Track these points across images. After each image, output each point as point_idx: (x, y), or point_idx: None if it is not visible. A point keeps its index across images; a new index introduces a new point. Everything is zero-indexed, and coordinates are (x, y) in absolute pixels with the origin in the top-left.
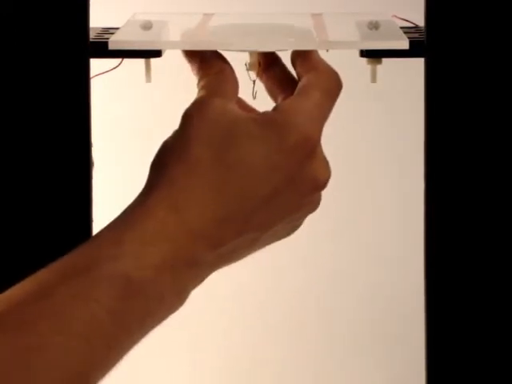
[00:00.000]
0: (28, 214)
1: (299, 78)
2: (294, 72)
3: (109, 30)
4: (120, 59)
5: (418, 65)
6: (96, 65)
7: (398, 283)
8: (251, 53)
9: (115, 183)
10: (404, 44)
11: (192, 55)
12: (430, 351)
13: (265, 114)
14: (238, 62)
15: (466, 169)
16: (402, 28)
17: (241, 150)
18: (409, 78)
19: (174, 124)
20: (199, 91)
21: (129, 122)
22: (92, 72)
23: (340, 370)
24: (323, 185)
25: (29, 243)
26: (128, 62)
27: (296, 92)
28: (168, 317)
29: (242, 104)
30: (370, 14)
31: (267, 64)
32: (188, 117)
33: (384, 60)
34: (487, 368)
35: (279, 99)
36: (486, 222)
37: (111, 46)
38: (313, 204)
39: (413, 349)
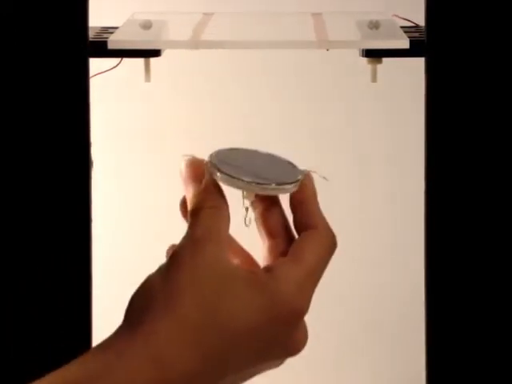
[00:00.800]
0: (27, 212)
1: (296, 230)
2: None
3: (108, 30)
4: (119, 58)
5: (418, 64)
6: (95, 64)
7: (398, 283)
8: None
9: (114, 182)
10: (404, 43)
11: (188, 181)
12: (430, 351)
13: (257, 274)
14: (244, 62)
15: (467, 168)
16: (402, 27)
17: (229, 312)
18: (409, 77)
19: (174, 124)
20: (191, 226)
21: (128, 122)
22: (91, 71)
23: (340, 370)
24: (300, 350)
25: (28, 242)
26: (127, 62)
27: (290, 252)
28: None
29: (232, 245)
30: (370, 14)
31: (263, 199)
32: (178, 261)
33: (384, 59)
34: (487, 368)
35: (266, 242)
36: (485, 221)
37: (110, 46)
38: (280, 362)
39: (413, 349)
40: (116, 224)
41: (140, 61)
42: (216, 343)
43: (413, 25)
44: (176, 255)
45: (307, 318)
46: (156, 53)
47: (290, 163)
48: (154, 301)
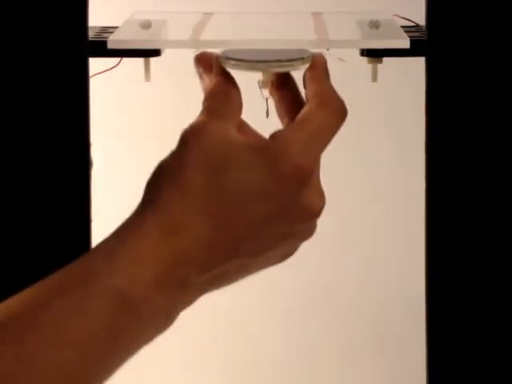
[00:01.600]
0: (27, 213)
1: (306, 102)
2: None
3: (108, 29)
4: (119, 58)
5: (418, 64)
6: (95, 64)
7: (399, 284)
8: (264, 71)
9: (114, 182)
10: (405, 43)
11: (203, 74)
12: (431, 352)
13: (261, 141)
14: (252, 79)
15: (467, 168)
16: (402, 27)
17: (233, 176)
18: (410, 77)
19: (174, 124)
20: (201, 111)
21: (128, 121)
22: (91, 71)
23: (339, 371)
24: (316, 214)
25: (28, 242)
26: (127, 61)
27: (296, 119)
28: (156, 337)
29: (244, 128)
30: (370, 13)
31: (279, 83)
32: (185, 139)
33: (385, 59)
34: (487, 368)
35: (284, 121)
36: (486, 221)
37: (110, 45)
38: (306, 232)
39: (412, 350)
40: (116, 224)
41: (140, 60)
42: (224, 208)
43: (413, 24)
44: (184, 135)
45: (307, 319)
46: (156, 52)
47: (301, 49)
48: (163, 179)
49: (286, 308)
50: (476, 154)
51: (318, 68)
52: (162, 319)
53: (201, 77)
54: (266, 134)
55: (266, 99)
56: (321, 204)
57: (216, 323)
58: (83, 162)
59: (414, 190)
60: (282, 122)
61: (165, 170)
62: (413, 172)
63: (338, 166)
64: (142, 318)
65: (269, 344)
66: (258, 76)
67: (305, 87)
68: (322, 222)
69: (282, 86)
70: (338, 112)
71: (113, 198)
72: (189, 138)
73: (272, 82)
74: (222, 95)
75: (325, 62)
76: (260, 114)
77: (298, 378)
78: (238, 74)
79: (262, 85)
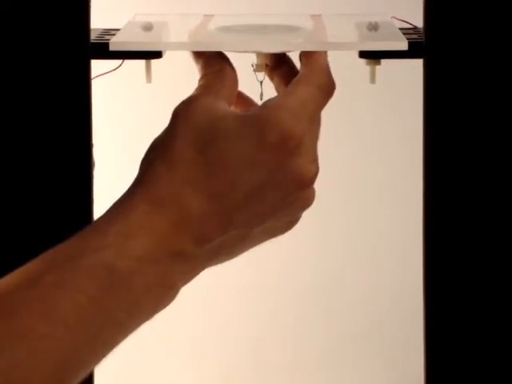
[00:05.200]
0: (29, 214)
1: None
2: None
3: (109, 31)
4: (121, 60)
5: (417, 65)
6: (97, 66)
7: (397, 284)
8: (258, 54)
9: (116, 183)
10: (403, 45)
11: (197, 55)
12: (428, 353)
13: (249, 110)
14: (246, 62)
15: (466, 168)
16: (400, 29)
17: (222, 147)
18: (408, 78)
19: None
20: (195, 89)
21: (129, 123)
22: (93, 73)
23: (339, 372)
24: (309, 181)
25: (30, 243)
26: (129, 63)
27: (286, 88)
28: (158, 311)
29: (243, 100)
30: (369, 15)
31: (275, 63)
32: (175, 115)
33: (383, 61)
34: (486, 369)
35: None
36: (484, 220)
37: (112, 47)
38: (303, 200)
39: (412, 350)
40: None
41: (141, 62)
42: (214, 180)
43: (411, 26)
44: (175, 110)
45: (307, 319)
46: (157, 54)
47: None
48: (154, 154)
49: (285, 308)
50: (474, 155)
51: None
52: (159, 292)
53: (195, 59)
54: None
55: (261, 82)
56: (313, 172)
57: (215, 324)
58: (85, 163)
59: (413, 190)
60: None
61: (155, 146)
62: (411, 172)
63: (336, 167)
64: (133, 291)
65: (267, 344)
66: (251, 59)
67: (300, 60)
68: (322, 221)
69: (279, 64)
70: (327, 80)
71: (115, 198)
72: (179, 112)
73: (266, 65)
74: (216, 73)
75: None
76: (255, 97)
77: (298, 378)
78: (231, 60)
79: (257, 68)
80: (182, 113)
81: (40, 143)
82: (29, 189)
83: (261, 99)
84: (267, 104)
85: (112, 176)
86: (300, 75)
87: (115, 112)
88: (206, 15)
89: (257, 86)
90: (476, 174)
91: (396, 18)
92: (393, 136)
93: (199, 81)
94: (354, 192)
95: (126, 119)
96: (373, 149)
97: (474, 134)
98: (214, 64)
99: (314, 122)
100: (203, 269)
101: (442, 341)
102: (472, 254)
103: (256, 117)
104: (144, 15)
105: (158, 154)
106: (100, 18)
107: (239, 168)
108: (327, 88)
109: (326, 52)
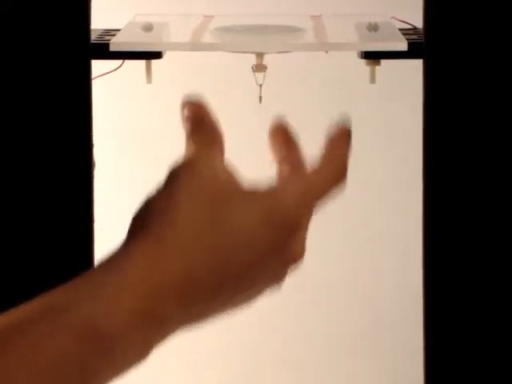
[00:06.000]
0: (30, 213)
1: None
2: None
3: (110, 32)
4: (121, 60)
5: (416, 66)
6: (97, 66)
7: (398, 284)
8: (258, 54)
9: (116, 183)
10: (403, 45)
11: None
12: (428, 353)
13: (255, 185)
14: (246, 62)
15: (465, 168)
16: (400, 30)
17: (224, 217)
18: (407, 78)
19: (175, 125)
20: (188, 145)
21: (130, 123)
22: (93, 73)
23: (339, 372)
24: (299, 259)
25: (30, 243)
26: (129, 64)
27: (295, 168)
28: (130, 369)
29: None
30: (369, 16)
31: (287, 150)
32: (175, 176)
33: (383, 61)
34: (486, 369)
35: (278, 165)
36: (485, 223)
37: (112, 48)
38: (287, 272)
39: (412, 351)
40: (117, 224)
41: (141, 63)
42: (212, 248)
43: (411, 27)
44: (172, 173)
45: (304, 315)
46: (157, 55)
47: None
48: (151, 215)
49: (284, 307)
50: (474, 155)
51: (341, 135)
52: (135, 353)
53: (185, 119)
54: (260, 121)
55: (260, 85)
56: (304, 251)
57: (213, 324)
58: (86, 163)
59: (413, 190)
60: (276, 164)
61: (153, 204)
62: (411, 172)
63: None
64: (112, 352)
65: (266, 344)
66: (251, 61)
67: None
68: (322, 223)
69: (292, 154)
70: (339, 175)
71: (115, 198)
72: (179, 175)
73: (265, 67)
74: (207, 125)
75: (349, 133)
76: (254, 100)
77: (298, 378)
78: (231, 61)
79: (257, 68)
80: (184, 175)
81: (40, 143)
82: (29, 188)
83: (260, 102)
84: (277, 187)
85: (112, 176)
86: (319, 162)
87: (115, 112)
88: (206, 16)
89: (256, 89)
90: (476, 172)
91: (396, 19)
92: (393, 136)
93: (190, 134)
94: (354, 192)
95: (126, 119)
96: (373, 149)
97: (474, 133)
98: (204, 116)
99: (315, 207)
100: (181, 329)
101: (442, 341)
102: (472, 255)
103: (263, 197)
104: (144, 15)
105: (155, 216)
106: (100, 19)
107: (239, 243)
108: (337, 181)
109: (348, 144)
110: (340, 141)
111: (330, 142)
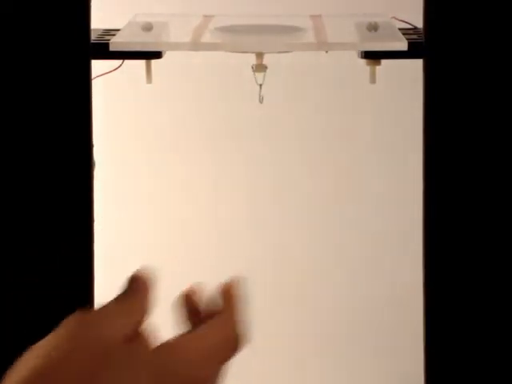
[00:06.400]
0: (30, 213)
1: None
2: None
3: (110, 32)
4: (121, 60)
5: (416, 66)
6: (97, 66)
7: (397, 284)
8: (257, 54)
9: (116, 183)
10: (403, 45)
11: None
12: (428, 353)
13: (152, 343)
14: (246, 62)
15: (465, 168)
16: (400, 29)
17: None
18: (408, 78)
19: (175, 125)
20: (111, 301)
21: (129, 123)
22: (93, 73)
23: (339, 372)
24: None
25: (30, 243)
26: (129, 63)
27: (193, 331)
28: None
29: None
30: (369, 16)
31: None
32: (67, 329)
33: (383, 61)
34: (485, 369)
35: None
36: (484, 223)
37: (112, 48)
38: None
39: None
40: (118, 224)
41: (141, 62)
42: None
43: (411, 27)
44: (67, 323)
45: (305, 316)
46: (157, 54)
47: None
48: (31, 374)
49: (283, 307)
50: (474, 155)
51: (233, 290)
52: None
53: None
54: (259, 120)
55: (260, 85)
56: None
57: None
58: (86, 163)
59: (413, 189)
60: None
61: (35, 363)
62: (411, 172)
63: (336, 167)
64: None
65: (266, 343)
66: (251, 61)
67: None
68: (323, 223)
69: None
70: (236, 340)
71: (115, 198)
72: (72, 328)
73: (265, 67)
74: (140, 300)
75: (239, 292)
76: (254, 100)
77: (297, 377)
78: (231, 61)
79: (257, 68)
80: (76, 331)
81: (40, 143)
82: (29, 188)
83: (260, 102)
84: (169, 347)
85: (112, 176)
86: (214, 320)
87: (115, 112)
88: (206, 16)
89: (256, 89)
90: (476, 172)
91: (396, 19)
92: (393, 136)
93: (122, 293)
94: (354, 192)
95: (126, 119)
96: (373, 149)
97: (474, 133)
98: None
99: (221, 371)
100: None
101: (442, 341)
102: (472, 255)
103: (151, 357)
104: (144, 15)
105: (38, 372)
106: (100, 18)
107: None
108: (236, 342)
109: (239, 302)
110: (235, 297)
111: (227, 297)
